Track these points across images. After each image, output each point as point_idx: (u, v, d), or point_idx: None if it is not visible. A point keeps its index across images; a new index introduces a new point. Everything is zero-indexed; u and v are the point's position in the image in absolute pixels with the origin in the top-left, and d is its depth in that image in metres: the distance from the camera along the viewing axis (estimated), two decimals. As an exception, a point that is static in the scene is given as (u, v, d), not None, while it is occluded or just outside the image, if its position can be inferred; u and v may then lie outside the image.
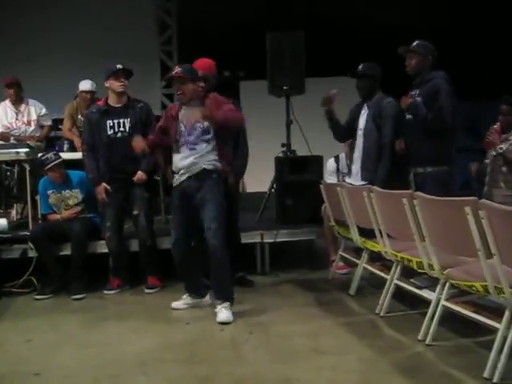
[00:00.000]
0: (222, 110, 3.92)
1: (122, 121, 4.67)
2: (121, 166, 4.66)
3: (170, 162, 4.17)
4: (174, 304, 4.16)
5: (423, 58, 4.27)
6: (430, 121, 4.15)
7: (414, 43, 4.34)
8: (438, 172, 4.20)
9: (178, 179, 4.03)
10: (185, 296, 4.18)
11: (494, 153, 4.46)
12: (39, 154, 5.02)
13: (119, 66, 4.61)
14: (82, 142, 4.99)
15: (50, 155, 4.83)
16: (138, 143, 4.20)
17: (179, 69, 4.02)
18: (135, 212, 4.68)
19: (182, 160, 3.98)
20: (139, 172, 4.65)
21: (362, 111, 4.63)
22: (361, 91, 4.61)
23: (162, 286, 4.69)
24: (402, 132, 4.43)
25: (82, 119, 5.90)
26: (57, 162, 4.78)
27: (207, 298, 4.16)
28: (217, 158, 3.98)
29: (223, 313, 3.82)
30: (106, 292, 4.64)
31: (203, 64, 4.40)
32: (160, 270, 4.74)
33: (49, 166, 4.76)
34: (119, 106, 4.70)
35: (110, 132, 4.65)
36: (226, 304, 3.87)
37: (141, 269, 4.77)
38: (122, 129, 4.66)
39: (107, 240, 4.71)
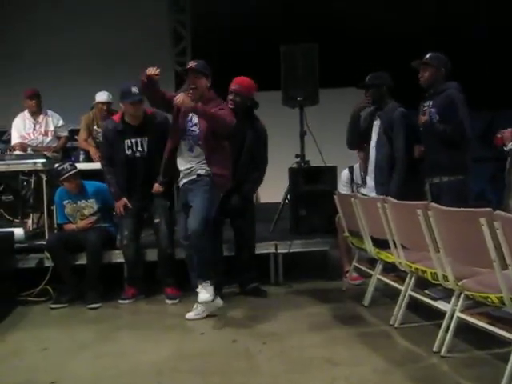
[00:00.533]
0: (211, 106, 4.08)
1: (139, 140, 4.67)
2: (140, 185, 4.71)
3: None
4: (188, 315, 4.14)
5: (436, 70, 4.28)
6: (449, 134, 4.15)
7: (427, 55, 4.34)
8: (453, 181, 4.20)
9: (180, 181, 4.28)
10: (195, 306, 4.16)
11: (506, 148, 4.48)
12: (56, 165, 5.08)
13: (134, 91, 4.50)
14: (100, 156, 5.07)
15: (66, 165, 4.88)
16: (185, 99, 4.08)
17: (195, 63, 4.10)
18: (156, 220, 4.70)
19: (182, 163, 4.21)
20: (156, 185, 4.66)
21: (375, 122, 4.62)
22: (369, 103, 4.60)
23: (181, 295, 4.68)
24: (417, 140, 4.43)
25: (98, 130, 6.00)
26: (72, 172, 4.83)
27: (218, 299, 4.18)
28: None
29: (203, 293, 4.00)
30: (120, 301, 4.66)
31: (242, 82, 4.59)
32: (177, 279, 4.73)
33: (64, 177, 4.81)
34: (136, 124, 4.69)
35: (128, 152, 4.67)
36: (207, 283, 4.01)
37: (158, 278, 4.77)
38: (140, 148, 4.68)
39: (124, 248, 4.73)
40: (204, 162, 4.15)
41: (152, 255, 4.86)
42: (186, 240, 4.16)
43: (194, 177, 4.16)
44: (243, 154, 4.61)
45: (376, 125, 4.60)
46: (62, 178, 4.82)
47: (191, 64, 4.16)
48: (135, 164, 4.69)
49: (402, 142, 4.38)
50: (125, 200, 4.69)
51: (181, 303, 4.57)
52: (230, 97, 4.53)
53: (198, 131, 4.16)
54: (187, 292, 4.62)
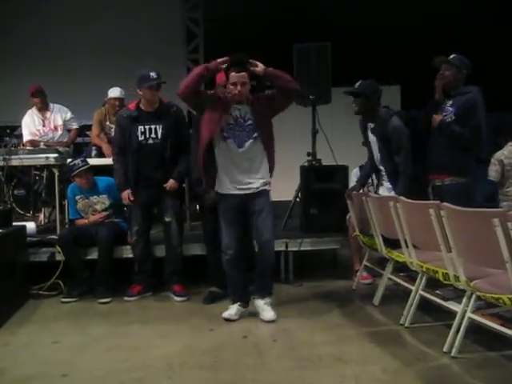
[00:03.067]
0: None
1: (153, 127, 4.58)
2: (151, 173, 4.59)
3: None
4: (225, 314, 4.06)
5: (458, 70, 4.20)
6: (466, 139, 4.09)
7: (452, 56, 4.26)
8: (456, 184, 4.14)
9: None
10: (235, 305, 4.11)
11: None
12: (68, 160, 5.11)
13: (153, 76, 4.48)
14: (113, 145, 4.99)
15: (78, 161, 4.91)
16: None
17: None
18: (167, 219, 4.65)
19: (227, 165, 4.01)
20: (171, 180, 4.60)
21: (370, 136, 4.56)
22: (356, 110, 4.51)
23: (189, 293, 4.68)
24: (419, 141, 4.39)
25: (111, 125, 6.02)
26: (84, 168, 4.86)
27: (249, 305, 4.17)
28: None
29: (268, 311, 4.02)
30: (126, 298, 4.64)
31: None
32: (184, 277, 4.75)
33: (76, 172, 4.84)
34: (151, 110, 4.61)
35: (140, 138, 4.57)
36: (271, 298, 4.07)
37: (166, 276, 4.76)
38: (153, 135, 4.58)
39: (133, 244, 4.74)
40: (258, 164, 3.99)
41: (160, 252, 4.87)
42: (230, 250, 4.01)
43: (256, 187, 3.98)
44: None
45: (373, 140, 4.55)
46: (74, 173, 4.85)
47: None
48: (147, 150, 4.57)
49: (403, 157, 4.30)
50: (128, 191, 4.59)
51: (191, 299, 4.60)
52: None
53: (251, 122, 3.94)
54: (193, 289, 4.71)
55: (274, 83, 3.94)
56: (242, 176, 3.98)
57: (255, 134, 3.96)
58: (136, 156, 4.59)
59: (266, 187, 4.04)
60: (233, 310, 4.08)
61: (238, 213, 4.02)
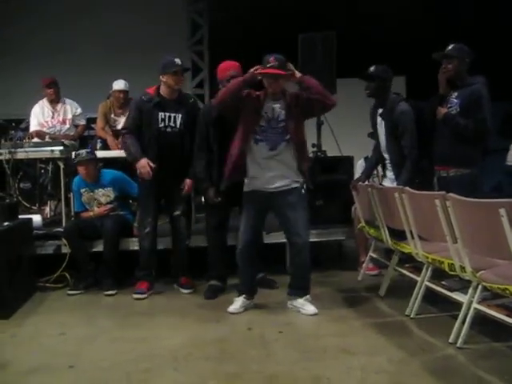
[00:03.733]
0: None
1: (173, 115, 4.50)
2: (168, 163, 4.46)
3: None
4: (231, 309, 4.05)
5: (460, 61, 4.14)
6: (470, 131, 4.05)
7: (450, 47, 4.21)
8: (461, 175, 4.11)
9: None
10: (240, 298, 4.10)
11: None
12: (73, 152, 5.12)
13: (178, 62, 4.43)
14: (124, 126, 4.90)
15: (83, 152, 4.94)
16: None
17: (276, 62, 3.83)
18: (177, 213, 4.61)
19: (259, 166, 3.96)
20: (187, 180, 4.56)
21: (378, 120, 4.57)
22: (369, 93, 4.53)
23: (195, 285, 4.68)
24: (425, 130, 4.37)
25: (116, 118, 6.02)
26: (87, 157, 4.87)
27: (254, 298, 4.16)
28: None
29: (308, 305, 3.98)
30: (135, 296, 4.50)
31: (235, 65, 4.40)
32: (191, 270, 4.75)
33: (78, 160, 4.87)
34: (172, 98, 4.53)
35: (161, 125, 4.48)
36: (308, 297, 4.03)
37: (173, 269, 4.76)
38: (172, 124, 4.50)
39: (144, 236, 4.60)
40: (291, 166, 3.94)
41: (163, 244, 4.85)
42: (246, 243, 3.99)
43: (288, 185, 3.93)
44: None
45: (380, 124, 4.56)
46: (76, 161, 4.88)
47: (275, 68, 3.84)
48: (166, 138, 4.48)
49: (408, 140, 4.32)
50: (145, 161, 4.39)
51: (195, 292, 4.60)
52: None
53: (284, 124, 3.89)
54: (199, 282, 4.72)
55: (310, 94, 3.88)
56: (273, 179, 3.93)
57: (288, 136, 3.90)
58: (155, 143, 4.49)
59: (298, 185, 3.96)
60: (238, 303, 4.07)
61: (262, 209, 4.02)
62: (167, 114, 4.50)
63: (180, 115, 4.52)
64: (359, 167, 5.92)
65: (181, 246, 4.71)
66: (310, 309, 3.96)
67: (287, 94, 3.96)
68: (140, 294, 4.52)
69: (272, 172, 3.92)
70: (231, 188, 4.08)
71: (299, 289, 4.07)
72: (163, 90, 4.53)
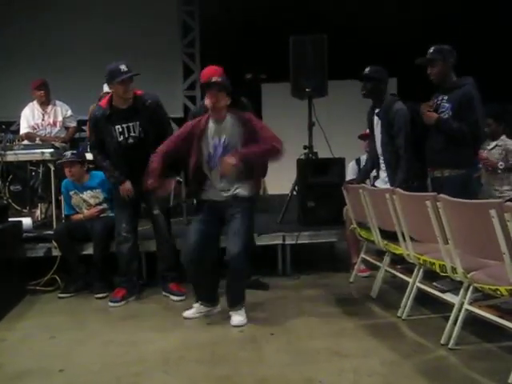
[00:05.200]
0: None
1: (131, 125, 4.33)
2: (135, 171, 4.27)
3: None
4: (186, 313, 4.01)
5: (443, 63, 4.14)
6: (464, 134, 4.04)
7: (430, 50, 4.19)
8: (456, 176, 4.11)
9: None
10: (196, 304, 4.04)
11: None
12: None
13: (124, 69, 4.20)
14: (90, 146, 4.74)
15: (68, 153, 4.95)
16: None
17: (218, 78, 3.79)
18: (155, 212, 4.53)
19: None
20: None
21: (375, 120, 4.59)
22: (365, 93, 4.55)
23: (186, 292, 4.47)
24: (419, 134, 4.37)
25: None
26: (71, 159, 4.85)
27: (219, 306, 4.05)
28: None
29: (237, 317, 3.82)
30: (111, 304, 4.39)
31: (219, 71, 4.29)
32: (181, 274, 4.50)
33: (62, 161, 4.89)
34: (125, 107, 4.33)
35: (120, 138, 4.34)
36: (240, 308, 3.87)
37: (160, 273, 4.67)
38: (132, 134, 4.34)
39: (121, 242, 4.49)
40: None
41: (152, 246, 4.79)
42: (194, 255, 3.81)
43: (234, 194, 3.86)
44: None
45: (377, 124, 4.57)
46: (59, 162, 4.91)
47: (214, 79, 3.87)
48: (130, 150, 4.34)
49: (403, 139, 4.33)
50: (129, 184, 4.39)
51: (187, 294, 4.56)
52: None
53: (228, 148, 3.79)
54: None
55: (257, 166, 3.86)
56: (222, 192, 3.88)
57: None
58: (117, 157, 4.41)
59: (245, 193, 3.87)
60: (193, 309, 4.02)
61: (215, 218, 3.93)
62: (124, 125, 4.33)
63: (138, 123, 4.34)
64: (350, 169, 5.91)
65: (165, 247, 4.59)
66: (238, 319, 3.79)
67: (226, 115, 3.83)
68: (115, 303, 4.40)
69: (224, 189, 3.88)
70: None
71: (234, 302, 3.89)
72: (115, 100, 4.34)
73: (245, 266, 3.78)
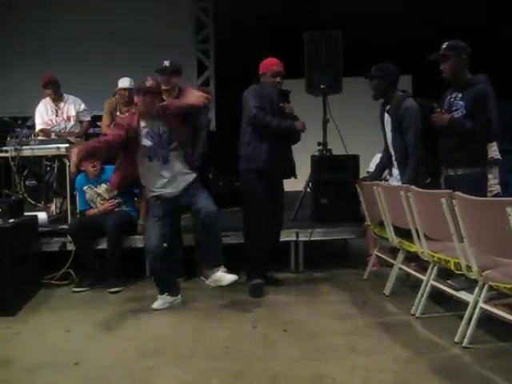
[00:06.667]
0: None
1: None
2: None
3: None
4: (155, 305, 4.15)
5: (457, 59, 4.07)
6: (477, 133, 4.00)
7: (444, 46, 4.13)
8: (469, 174, 4.06)
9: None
10: (162, 296, 4.19)
11: None
12: None
13: (166, 64, 4.60)
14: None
15: None
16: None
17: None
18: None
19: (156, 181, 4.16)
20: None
21: (386, 117, 4.54)
22: (374, 95, 4.50)
23: None
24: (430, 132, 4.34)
25: (121, 116, 6.01)
26: None
27: (179, 296, 4.25)
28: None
29: (228, 276, 4.03)
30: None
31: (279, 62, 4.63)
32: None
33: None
34: None
35: None
36: (223, 268, 4.08)
37: (197, 260, 4.80)
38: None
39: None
40: (181, 168, 4.16)
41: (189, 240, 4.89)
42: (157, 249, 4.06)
43: (182, 186, 4.17)
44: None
45: (387, 121, 4.53)
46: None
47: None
48: None
49: (412, 136, 4.27)
50: None
51: (200, 289, 4.58)
52: (277, 79, 4.56)
53: (166, 136, 4.11)
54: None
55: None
56: (171, 186, 4.16)
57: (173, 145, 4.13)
58: None
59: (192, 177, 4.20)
60: (161, 301, 4.18)
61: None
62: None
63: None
64: (374, 163, 5.86)
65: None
66: (231, 277, 4.02)
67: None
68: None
69: (167, 180, 4.18)
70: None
71: (217, 260, 4.11)
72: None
73: (218, 225, 4.13)
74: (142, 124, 4.11)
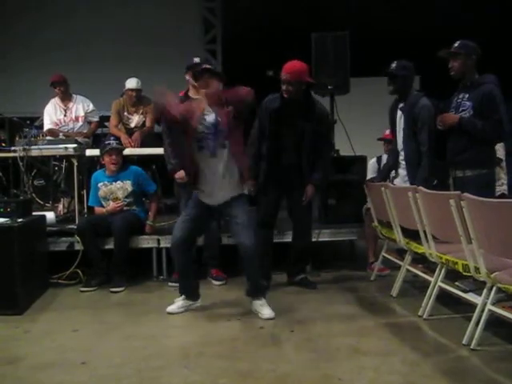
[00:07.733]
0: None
1: None
2: None
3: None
4: (170, 308, 4.05)
5: (466, 58, 4.06)
6: (487, 133, 3.98)
7: (456, 44, 4.13)
8: (478, 176, 4.05)
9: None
10: (180, 299, 4.11)
11: None
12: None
13: (196, 60, 4.62)
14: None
15: (113, 141, 5.03)
16: None
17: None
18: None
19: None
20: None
21: (398, 114, 4.51)
22: (392, 90, 4.47)
23: (226, 278, 4.83)
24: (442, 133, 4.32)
25: (129, 116, 6.04)
26: (117, 147, 4.99)
27: (199, 300, 4.14)
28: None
29: (266, 309, 3.88)
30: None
31: (293, 67, 4.35)
32: (222, 263, 4.90)
33: (108, 148, 4.92)
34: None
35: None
36: (263, 300, 3.94)
37: (204, 260, 4.89)
38: None
39: None
40: (231, 172, 3.89)
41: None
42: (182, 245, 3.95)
43: (230, 196, 3.92)
44: (305, 143, 4.46)
45: (400, 118, 4.50)
46: (107, 149, 4.93)
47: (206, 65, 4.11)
48: None
49: (426, 135, 4.26)
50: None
51: (207, 290, 4.58)
52: (283, 87, 4.32)
53: (220, 128, 3.83)
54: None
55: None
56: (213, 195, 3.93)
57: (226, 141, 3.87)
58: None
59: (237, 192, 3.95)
60: (177, 303, 4.10)
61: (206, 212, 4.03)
62: None
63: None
64: (371, 167, 5.88)
65: (211, 238, 4.82)
66: (269, 312, 3.88)
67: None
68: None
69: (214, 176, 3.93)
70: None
71: (258, 291, 4.01)
72: (191, 91, 4.55)
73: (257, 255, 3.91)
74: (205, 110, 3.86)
